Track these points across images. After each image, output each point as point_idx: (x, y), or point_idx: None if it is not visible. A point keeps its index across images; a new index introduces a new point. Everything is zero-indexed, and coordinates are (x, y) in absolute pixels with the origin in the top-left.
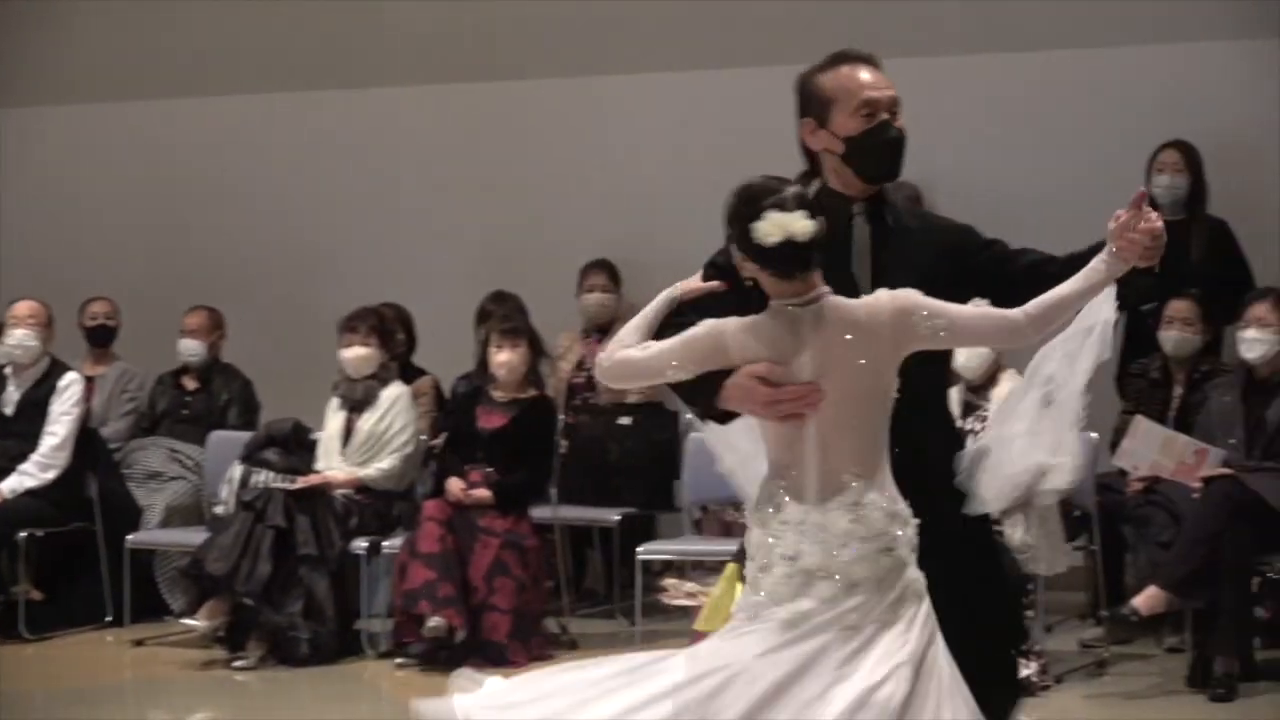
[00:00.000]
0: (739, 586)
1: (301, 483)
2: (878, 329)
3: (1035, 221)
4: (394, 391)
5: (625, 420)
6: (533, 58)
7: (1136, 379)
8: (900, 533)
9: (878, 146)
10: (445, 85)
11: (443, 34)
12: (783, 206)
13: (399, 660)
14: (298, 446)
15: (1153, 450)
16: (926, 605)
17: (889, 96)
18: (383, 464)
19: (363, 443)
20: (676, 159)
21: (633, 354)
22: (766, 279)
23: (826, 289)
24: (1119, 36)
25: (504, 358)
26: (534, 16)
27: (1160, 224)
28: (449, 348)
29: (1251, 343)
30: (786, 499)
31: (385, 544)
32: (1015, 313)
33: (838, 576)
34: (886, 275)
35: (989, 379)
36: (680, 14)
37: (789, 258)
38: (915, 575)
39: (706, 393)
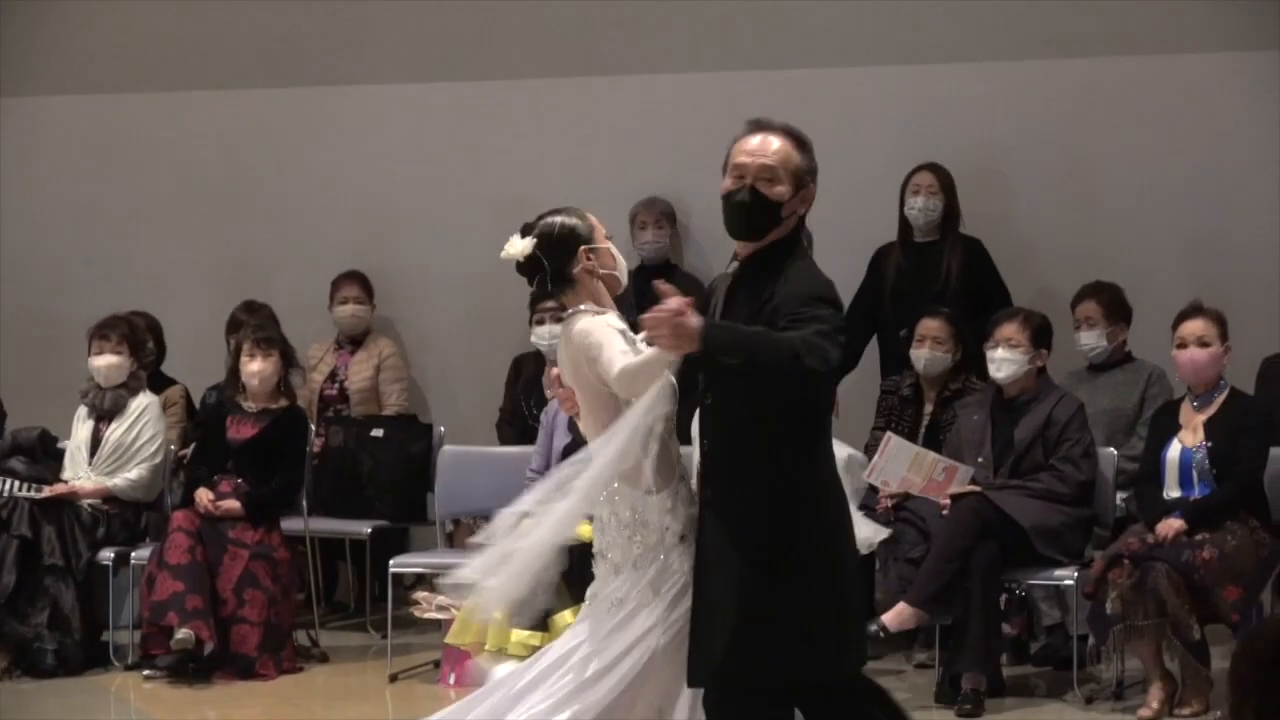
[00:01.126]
0: None
1: (48, 492)
2: (566, 344)
3: None
4: (143, 401)
5: (377, 432)
6: (283, 68)
7: (888, 396)
8: (652, 523)
9: (730, 207)
10: (196, 93)
11: (192, 42)
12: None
13: (147, 672)
14: (44, 455)
15: (903, 467)
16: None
17: (758, 165)
18: (131, 474)
19: (111, 452)
20: (427, 171)
21: (635, 363)
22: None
23: (583, 308)
24: (874, 57)
25: (256, 367)
26: (282, 27)
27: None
28: (199, 358)
29: (1000, 362)
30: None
31: (133, 555)
32: (615, 364)
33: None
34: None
35: None
36: (430, 27)
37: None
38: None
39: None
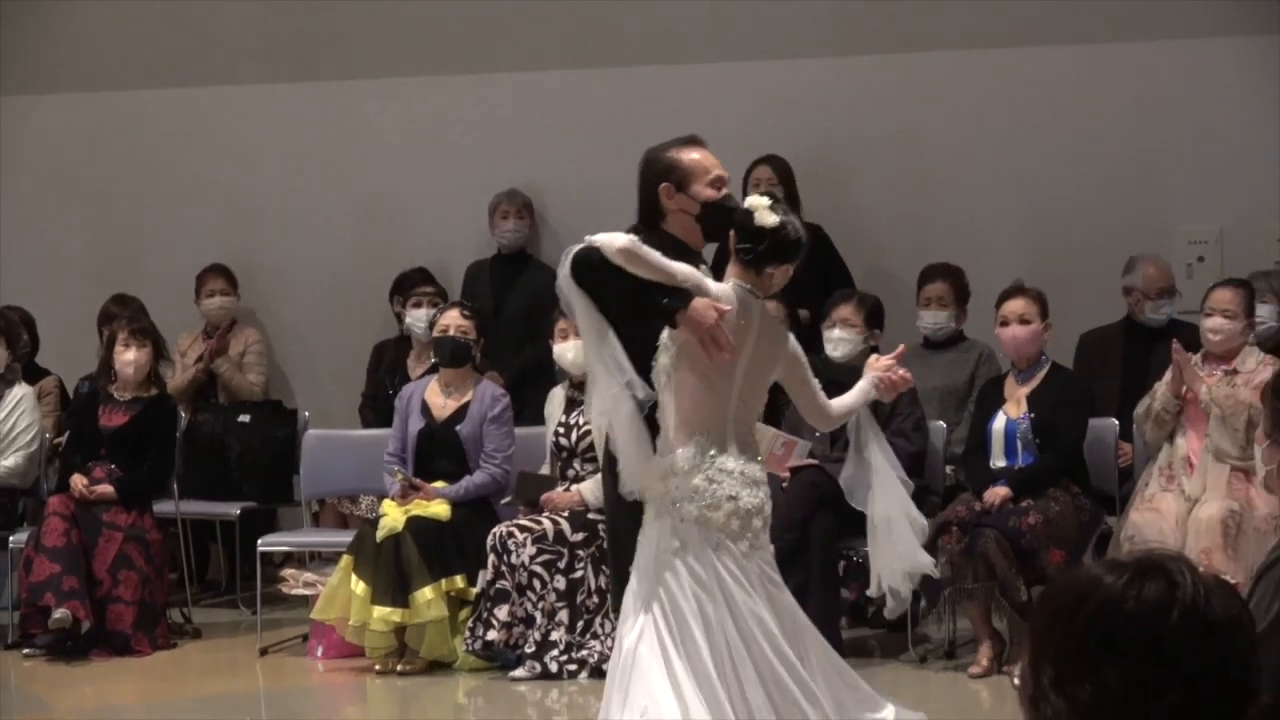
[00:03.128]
0: (354, 577)
1: None
2: (784, 334)
3: None
4: (18, 391)
5: (244, 418)
6: (150, 68)
7: None
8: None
9: (725, 213)
10: (62, 95)
11: (53, 44)
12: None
13: (26, 651)
14: None
15: None
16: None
17: (726, 176)
18: (7, 461)
19: None
20: (289, 168)
21: (648, 252)
22: (747, 263)
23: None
24: (715, 53)
25: (130, 356)
26: (145, 27)
27: (909, 377)
28: (71, 349)
29: (837, 342)
30: (720, 451)
31: (11, 539)
32: (832, 406)
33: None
34: None
35: None
36: (291, 27)
37: (786, 253)
38: None
39: (680, 299)
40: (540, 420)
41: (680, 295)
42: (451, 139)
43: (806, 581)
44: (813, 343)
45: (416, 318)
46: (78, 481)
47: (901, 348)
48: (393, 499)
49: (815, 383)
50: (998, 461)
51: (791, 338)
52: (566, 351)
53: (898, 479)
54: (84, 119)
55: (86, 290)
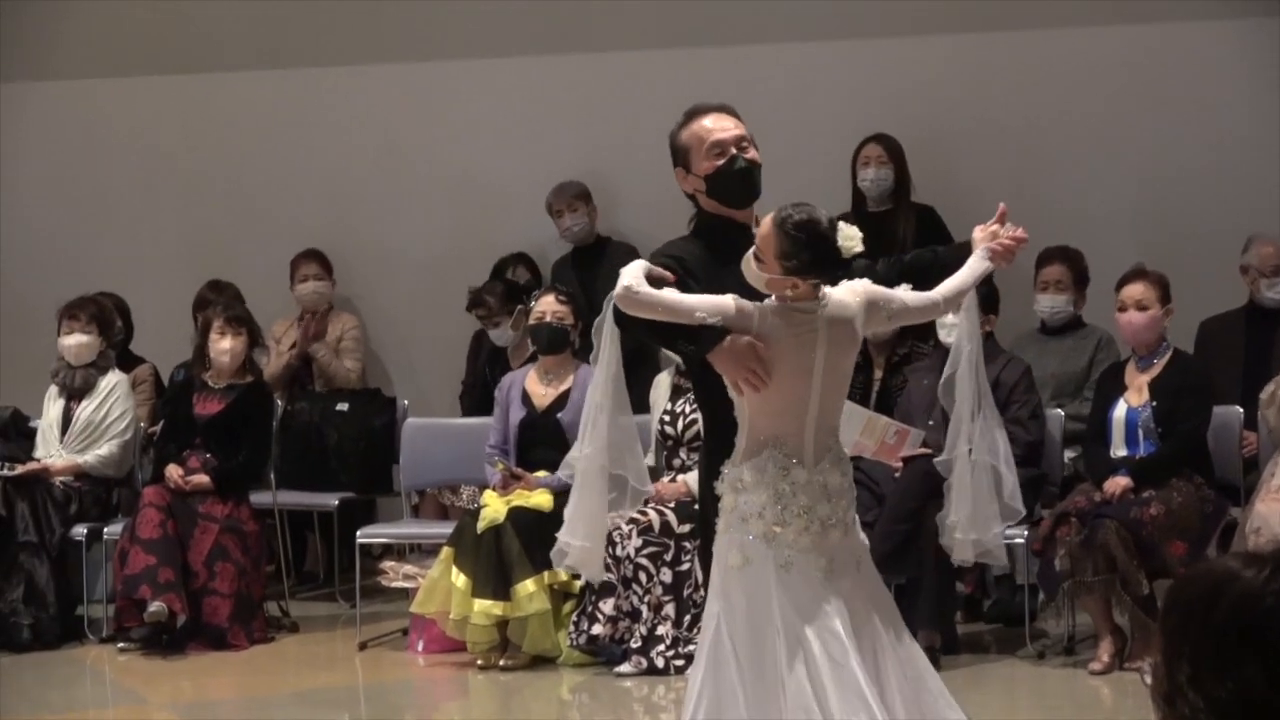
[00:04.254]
0: (454, 570)
1: (20, 470)
2: (855, 321)
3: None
4: (112, 379)
5: (342, 406)
6: (242, 50)
7: None
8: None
9: (730, 176)
10: (157, 77)
11: (154, 27)
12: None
13: (121, 645)
14: (16, 434)
15: (855, 431)
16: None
17: (734, 135)
18: (102, 450)
19: (82, 430)
20: (384, 151)
21: (661, 294)
22: (788, 278)
23: (826, 291)
24: (823, 32)
25: (226, 344)
26: (241, 10)
27: (1024, 234)
28: (166, 337)
29: (949, 327)
30: (794, 463)
31: (106, 530)
32: (935, 295)
33: (850, 524)
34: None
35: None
36: (387, 8)
37: (831, 265)
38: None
39: (710, 339)
40: (645, 408)
41: (706, 337)
42: (546, 121)
43: (920, 576)
44: (923, 331)
45: (497, 336)
46: (173, 471)
47: (1002, 207)
48: (494, 489)
49: (900, 297)
50: (1118, 451)
51: (858, 292)
52: None
53: (998, 427)
54: (179, 103)
55: (181, 276)
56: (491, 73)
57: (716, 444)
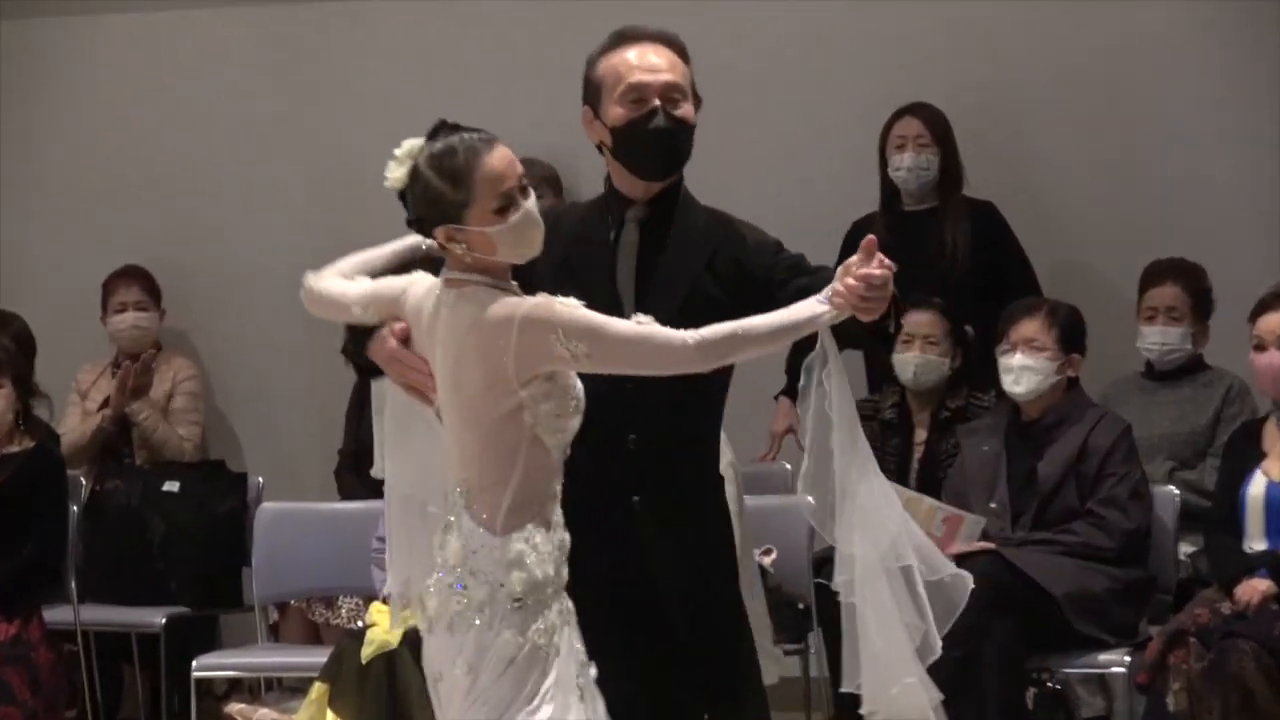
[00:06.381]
0: (330, 715)
1: None
2: (501, 337)
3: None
4: None
5: (172, 486)
6: None
7: (866, 421)
8: (483, 572)
9: (643, 137)
10: None
11: None
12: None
13: None
14: None
15: None
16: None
17: (663, 81)
18: None
19: None
20: (229, 121)
21: (334, 285)
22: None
23: (479, 278)
24: None
25: None
26: None
27: (880, 272)
28: None
29: (1018, 372)
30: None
31: None
32: (683, 335)
33: (422, 608)
34: (650, 288)
35: None
36: None
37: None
38: (512, 639)
39: (364, 336)
40: None
41: (359, 339)
42: (471, 79)
43: (981, 714)
44: (983, 379)
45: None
46: None
47: (870, 238)
48: (385, 602)
49: (621, 331)
50: (1255, 543)
51: (522, 306)
52: None
53: (878, 487)
54: None
55: None
56: (387, 13)
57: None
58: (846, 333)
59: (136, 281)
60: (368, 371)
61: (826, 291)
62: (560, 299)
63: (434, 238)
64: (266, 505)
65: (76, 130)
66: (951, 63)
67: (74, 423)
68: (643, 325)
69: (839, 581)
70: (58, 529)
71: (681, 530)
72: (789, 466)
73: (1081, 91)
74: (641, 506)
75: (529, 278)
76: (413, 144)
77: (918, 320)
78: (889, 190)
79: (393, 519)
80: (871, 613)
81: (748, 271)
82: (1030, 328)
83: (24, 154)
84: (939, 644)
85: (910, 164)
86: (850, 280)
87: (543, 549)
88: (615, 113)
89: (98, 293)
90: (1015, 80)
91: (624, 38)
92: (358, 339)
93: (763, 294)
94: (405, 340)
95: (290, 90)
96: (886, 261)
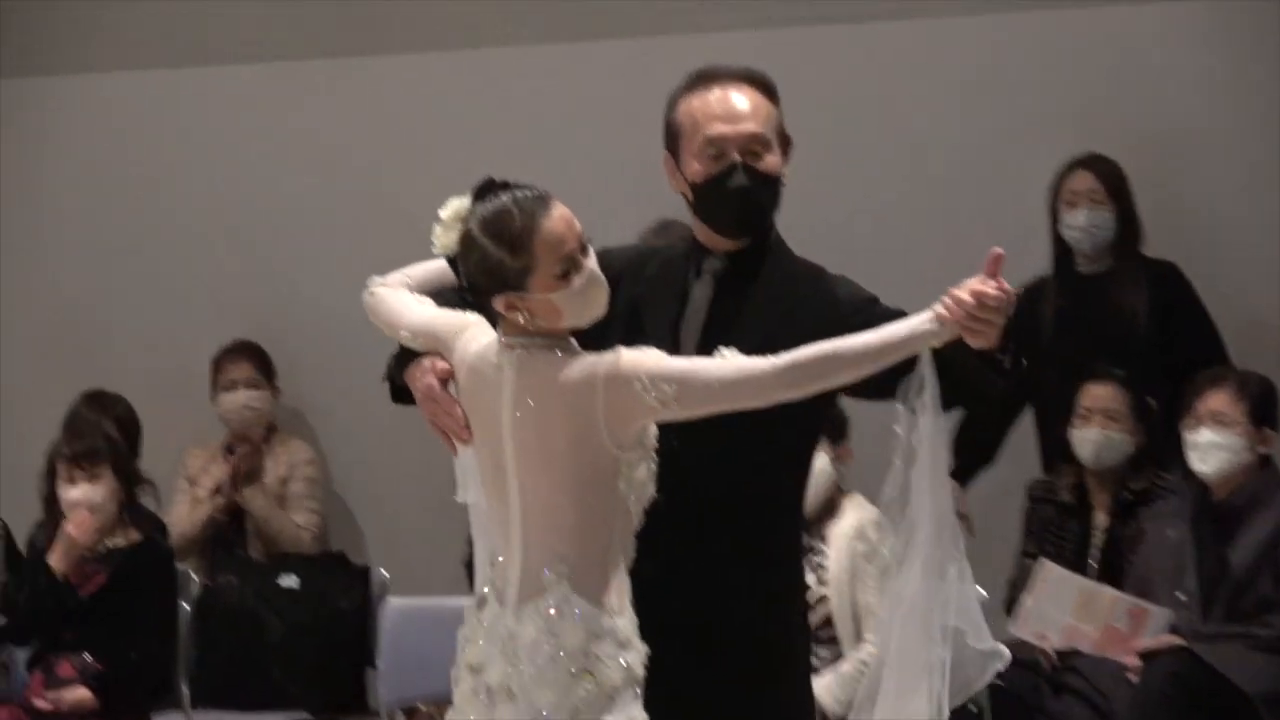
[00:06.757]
0: None
1: None
2: (587, 395)
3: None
4: None
5: (289, 581)
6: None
7: (1041, 504)
8: (608, 656)
9: (721, 196)
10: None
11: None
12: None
13: None
14: None
15: (1066, 610)
16: None
17: (744, 133)
18: None
19: None
20: (341, 178)
21: (395, 301)
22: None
23: (542, 340)
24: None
25: (78, 493)
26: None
27: (996, 292)
28: (19, 477)
29: (1206, 449)
30: (488, 592)
31: None
32: (760, 362)
33: (520, 698)
34: (717, 342)
35: (826, 509)
36: None
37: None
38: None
39: (402, 362)
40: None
41: (401, 361)
42: (590, 131)
43: None
44: (1173, 450)
45: None
46: (37, 686)
47: (995, 251)
48: None
49: (700, 366)
50: None
51: (603, 360)
52: None
53: (947, 535)
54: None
55: (44, 381)
56: (506, 65)
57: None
58: (953, 361)
59: (248, 358)
60: (402, 394)
61: (936, 307)
62: (634, 349)
63: (491, 307)
64: (392, 601)
65: (173, 193)
66: (1126, 111)
67: (183, 512)
68: (726, 359)
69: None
70: (167, 628)
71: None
72: None
73: (1269, 142)
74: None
75: (589, 332)
76: (459, 205)
77: (1097, 394)
78: (1061, 250)
79: (479, 539)
80: (896, 664)
81: (832, 328)
82: (1218, 401)
83: (121, 221)
84: (947, 714)
85: (1084, 222)
86: (961, 294)
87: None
88: (693, 168)
89: (206, 370)
90: (1196, 129)
91: (704, 77)
92: (400, 359)
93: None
94: (445, 381)
95: (401, 152)
96: (1006, 285)
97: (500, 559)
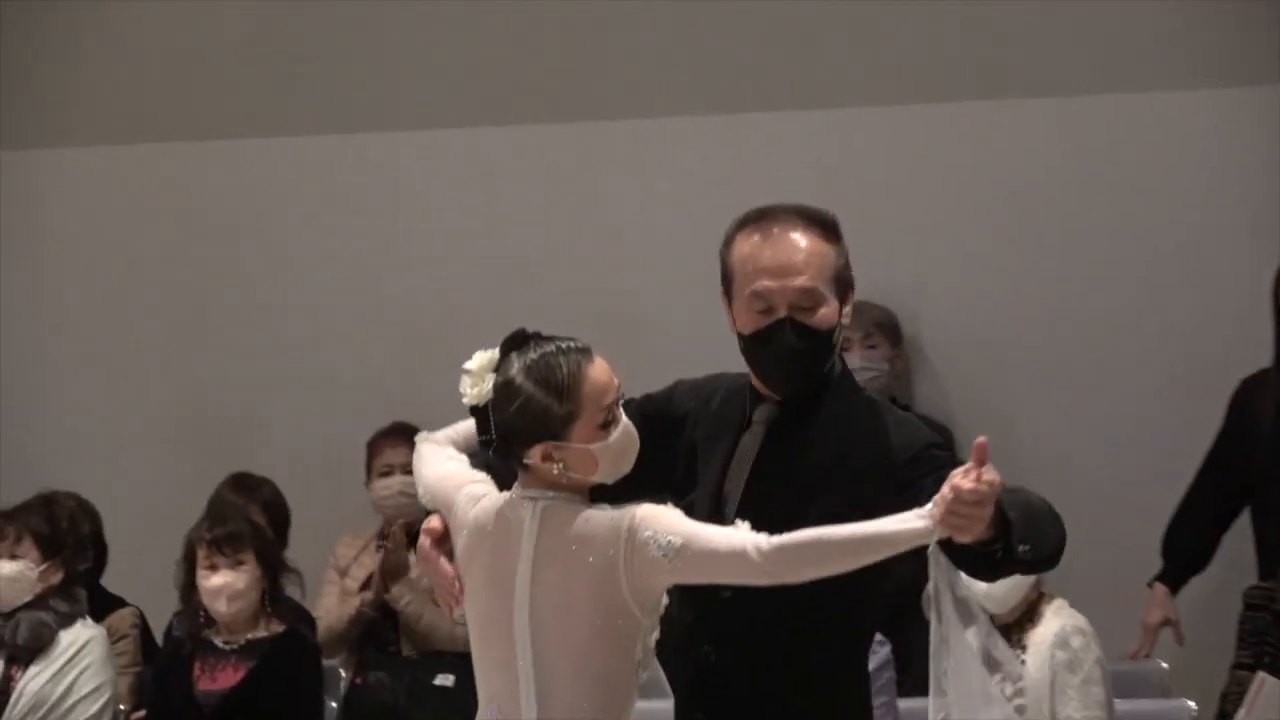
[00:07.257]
0: None
1: None
2: (612, 549)
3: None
4: (82, 634)
5: (444, 679)
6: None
7: (1256, 612)
8: None
9: (768, 353)
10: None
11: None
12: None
13: None
14: None
15: None
16: None
17: (793, 288)
18: None
19: (27, 714)
20: (500, 256)
21: (427, 457)
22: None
23: (550, 494)
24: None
25: (218, 581)
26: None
27: (971, 486)
28: (158, 561)
29: None
30: None
31: None
32: (754, 541)
33: None
34: (757, 497)
35: (1025, 615)
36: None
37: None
38: None
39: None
40: None
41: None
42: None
43: None
44: None
45: None
46: None
47: (980, 441)
48: None
49: (704, 534)
50: None
51: (627, 513)
52: None
53: None
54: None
55: (184, 464)
56: (650, 136)
57: None
58: (957, 553)
59: (406, 441)
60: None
61: (928, 508)
62: (655, 505)
63: (518, 457)
64: None
65: (317, 265)
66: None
67: (331, 604)
68: (730, 532)
69: None
70: None
71: None
72: (1165, 665)
73: None
74: None
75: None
76: (487, 356)
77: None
78: None
79: None
80: None
81: (880, 477)
82: None
83: (266, 301)
84: None
85: None
86: (945, 489)
87: None
88: (741, 318)
89: (361, 454)
90: None
91: (762, 215)
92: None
93: (894, 502)
94: (439, 540)
95: (571, 225)
96: (989, 475)
97: (495, 707)
